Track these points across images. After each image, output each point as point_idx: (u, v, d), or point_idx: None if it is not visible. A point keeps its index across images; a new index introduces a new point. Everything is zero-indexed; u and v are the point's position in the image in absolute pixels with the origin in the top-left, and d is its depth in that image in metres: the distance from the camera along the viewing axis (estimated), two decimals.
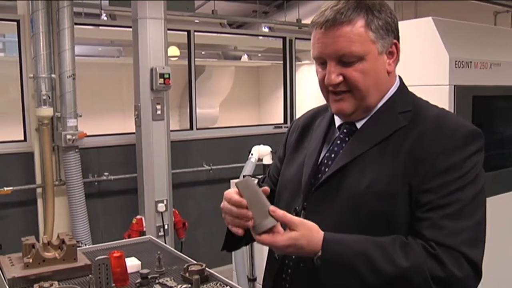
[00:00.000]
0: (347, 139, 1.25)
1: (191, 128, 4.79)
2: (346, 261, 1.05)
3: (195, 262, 1.82)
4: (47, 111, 3.45)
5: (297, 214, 1.22)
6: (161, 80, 3.64)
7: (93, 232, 3.78)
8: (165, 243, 3.84)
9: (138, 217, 3.83)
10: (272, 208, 1.08)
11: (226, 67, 6.58)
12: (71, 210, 3.66)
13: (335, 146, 1.26)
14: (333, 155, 1.24)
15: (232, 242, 1.32)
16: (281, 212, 1.07)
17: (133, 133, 3.87)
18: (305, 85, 6.01)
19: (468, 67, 2.39)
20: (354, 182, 1.16)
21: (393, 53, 1.20)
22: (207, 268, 1.74)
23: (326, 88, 1.20)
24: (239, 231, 1.12)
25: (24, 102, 3.67)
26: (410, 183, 1.10)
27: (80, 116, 3.61)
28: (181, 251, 4.04)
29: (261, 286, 1.39)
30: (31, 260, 1.74)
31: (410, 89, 1.28)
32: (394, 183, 1.11)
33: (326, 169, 1.22)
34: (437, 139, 1.12)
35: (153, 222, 3.80)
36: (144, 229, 3.79)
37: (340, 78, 1.15)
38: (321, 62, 1.18)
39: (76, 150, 3.60)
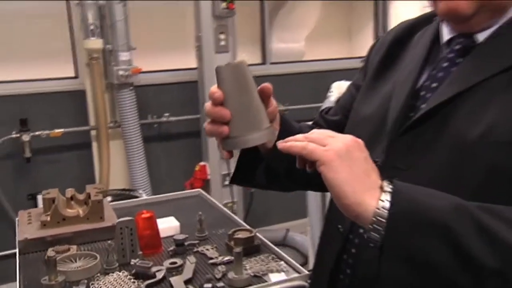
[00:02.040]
0: (458, 60, 0.89)
1: (264, 62, 4.48)
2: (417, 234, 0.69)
3: (246, 226, 1.55)
4: (95, 43, 3.29)
5: None
6: (224, 4, 3.33)
7: (153, 179, 3.66)
8: (232, 193, 3.65)
9: (202, 163, 3.65)
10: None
11: None
12: (128, 155, 3.55)
13: (439, 71, 0.91)
14: (435, 84, 0.90)
15: (243, 169, 1.05)
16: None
17: (195, 68, 3.62)
18: (401, 14, 5.44)
19: None
20: (464, 124, 0.82)
21: None
22: (258, 234, 1.47)
23: None
24: (223, 153, 0.89)
25: (73, 33, 3.52)
26: None
27: (134, 49, 3.41)
28: (250, 203, 3.89)
29: None
30: (49, 218, 1.56)
31: None
32: None
33: (423, 105, 0.89)
34: None
35: (217, 170, 3.61)
36: (208, 177, 3.61)
37: None
38: None
39: (131, 88, 3.43)
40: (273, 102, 0.95)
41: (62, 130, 3.37)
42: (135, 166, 3.55)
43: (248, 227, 1.52)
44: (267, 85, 0.89)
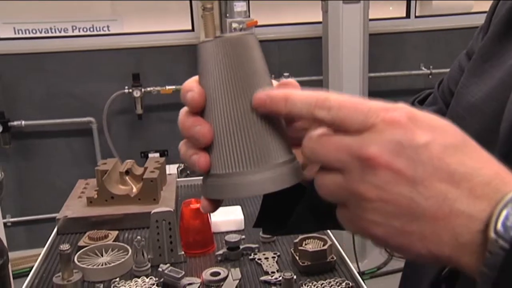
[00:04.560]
0: None
1: (408, 15, 3.92)
2: None
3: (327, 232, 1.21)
4: None
5: None
6: None
7: None
8: None
9: None
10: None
11: None
12: None
13: None
14: None
15: (273, 210, 0.59)
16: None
17: (319, 22, 3.25)
18: None
19: None
20: None
21: None
22: (337, 245, 1.14)
23: None
24: (202, 201, 0.47)
25: None
26: None
27: None
28: None
29: None
30: (96, 195, 1.37)
31: None
32: None
33: None
34: None
35: None
36: None
37: None
38: None
39: None
40: None
41: (173, 87, 3.24)
42: None
43: (319, 235, 1.16)
44: (291, 81, 0.46)
